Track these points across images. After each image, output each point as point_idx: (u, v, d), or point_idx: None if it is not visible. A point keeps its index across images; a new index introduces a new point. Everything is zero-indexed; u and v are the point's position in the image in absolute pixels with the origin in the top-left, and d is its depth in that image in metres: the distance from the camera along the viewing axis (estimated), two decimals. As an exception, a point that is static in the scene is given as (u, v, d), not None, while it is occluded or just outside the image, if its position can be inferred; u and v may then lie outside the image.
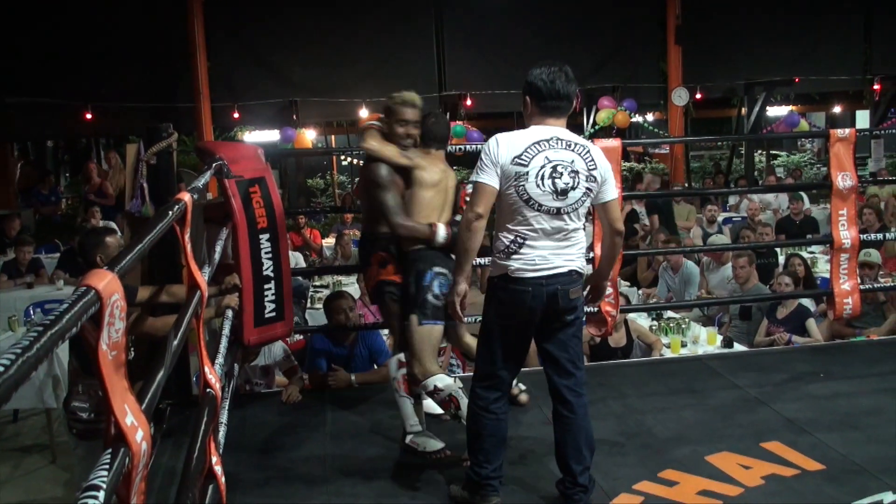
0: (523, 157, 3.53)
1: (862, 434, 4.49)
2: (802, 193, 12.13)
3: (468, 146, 6.42)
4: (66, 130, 15.24)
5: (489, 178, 3.56)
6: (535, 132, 3.62)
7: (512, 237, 3.58)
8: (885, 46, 15.66)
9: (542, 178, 3.51)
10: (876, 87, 16.05)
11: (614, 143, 5.69)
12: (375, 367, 5.66)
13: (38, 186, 14.40)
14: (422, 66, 14.12)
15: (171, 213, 2.64)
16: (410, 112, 4.47)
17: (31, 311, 8.25)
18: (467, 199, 3.82)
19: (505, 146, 3.56)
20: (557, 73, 3.66)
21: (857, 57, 15.93)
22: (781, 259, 8.94)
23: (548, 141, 3.57)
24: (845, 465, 4.13)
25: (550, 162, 3.53)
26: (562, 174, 3.52)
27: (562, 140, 3.59)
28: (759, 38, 15.08)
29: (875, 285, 7.09)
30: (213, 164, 4.51)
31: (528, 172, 3.51)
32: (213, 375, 3.24)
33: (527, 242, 3.57)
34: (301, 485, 4.17)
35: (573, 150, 3.58)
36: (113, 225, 9.45)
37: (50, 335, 1.43)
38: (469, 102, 14.44)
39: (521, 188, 3.52)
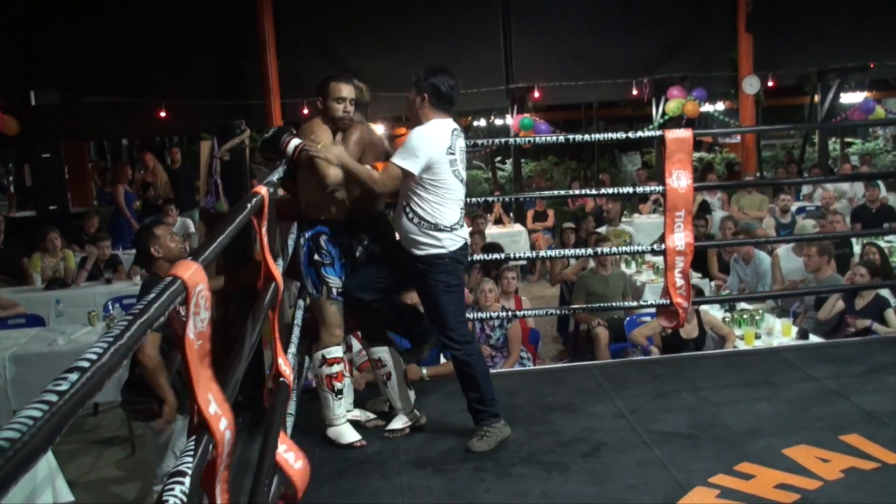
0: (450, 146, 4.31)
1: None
2: (879, 182, 11.85)
3: (536, 138, 6.37)
4: (140, 129, 15.53)
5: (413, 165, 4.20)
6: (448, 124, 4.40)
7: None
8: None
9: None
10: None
11: (685, 133, 5.62)
12: (443, 359, 5.68)
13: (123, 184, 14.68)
14: (489, 59, 14.11)
15: (249, 206, 2.68)
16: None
17: (111, 307, 8.45)
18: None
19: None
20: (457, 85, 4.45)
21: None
22: (857, 249, 8.76)
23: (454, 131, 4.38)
24: (927, 458, 4.05)
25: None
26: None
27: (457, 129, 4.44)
28: (831, 24, 14.75)
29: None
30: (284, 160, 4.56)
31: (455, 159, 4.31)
32: (286, 365, 3.28)
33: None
34: (375, 477, 4.21)
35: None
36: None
37: (140, 324, 1.47)
38: (537, 94, 14.40)
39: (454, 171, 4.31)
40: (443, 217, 4.27)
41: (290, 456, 3.23)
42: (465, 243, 4.43)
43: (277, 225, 4.98)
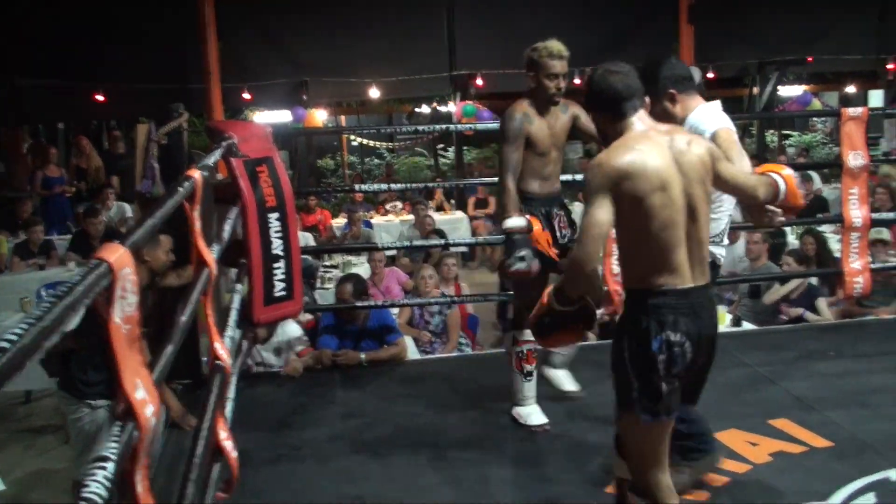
0: None
1: (870, 412, 4.50)
2: (813, 173, 12.07)
3: (479, 126, 6.40)
4: (77, 112, 15.25)
5: None
6: None
7: None
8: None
9: None
10: (890, 66, 15.92)
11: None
12: (385, 346, 5.68)
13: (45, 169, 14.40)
14: (433, 46, 14.07)
15: (181, 189, 2.65)
16: (559, 64, 4.32)
17: (43, 293, 8.30)
18: None
19: None
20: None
21: (871, 36, 15.78)
22: (791, 238, 8.91)
23: None
24: (853, 442, 4.15)
25: None
26: None
27: None
28: (772, 18, 14.94)
29: (886, 264, 7.06)
30: (223, 143, 4.53)
31: None
32: (222, 349, 3.26)
33: None
34: (312, 462, 4.22)
35: None
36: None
37: (63, 306, 1.45)
38: (480, 82, 14.40)
39: None
40: None
41: (229, 444, 3.22)
42: None
43: (215, 209, 4.95)
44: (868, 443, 4.13)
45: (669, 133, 2.84)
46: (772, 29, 15.01)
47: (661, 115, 3.57)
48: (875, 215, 6.26)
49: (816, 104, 14.90)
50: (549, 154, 4.39)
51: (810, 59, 15.20)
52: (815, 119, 22.29)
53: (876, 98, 19.07)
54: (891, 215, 7.36)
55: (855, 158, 5.84)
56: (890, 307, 6.93)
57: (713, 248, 3.56)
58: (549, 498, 3.77)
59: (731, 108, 21.23)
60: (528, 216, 4.25)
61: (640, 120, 2.85)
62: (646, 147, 2.75)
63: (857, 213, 5.89)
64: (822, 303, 6.86)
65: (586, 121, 4.45)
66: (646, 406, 2.81)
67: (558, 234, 4.41)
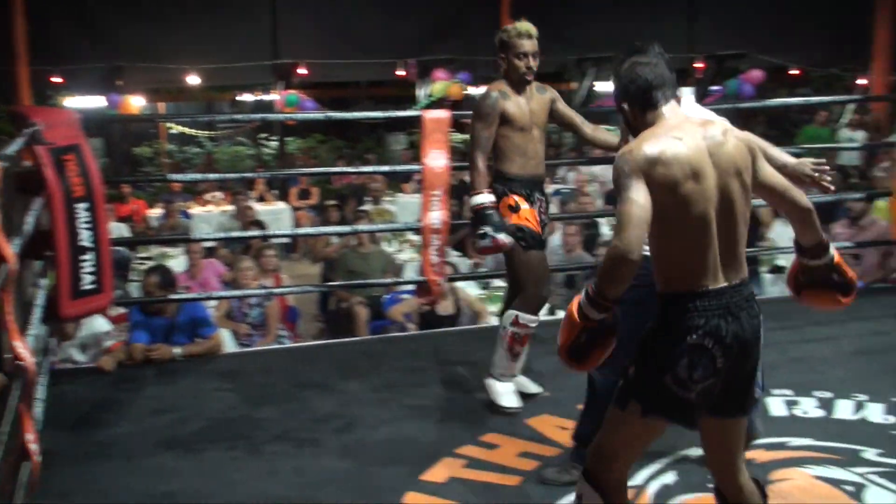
0: None
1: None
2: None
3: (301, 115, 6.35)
4: None
5: None
6: None
7: None
8: (707, 26, 16.28)
9: None
10: (699, 65, 16.70)
11: (443, 114, 5.79)
12: (198, 339, 5.55)
13: None
14: (255, 33, 13.81)
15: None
16: (528, 43, 4.35)
17: None
18: None
19: None
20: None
21: (683, 36, 16.51)
22: (605, 230, 9.24)
23: None
24: (656, 424, 4.34)
25: None
26: None
27: None
28: (590, 15, 15.40)
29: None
30: (27, 130, 4.32)
31: None
32: (23, 348, 3.12)
33: None
34: (121, 460, 4.09)
35: None
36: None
37: None
38: (304, 71, 14.25)
39: None
40: None
41: (34, 446, 3.10)
42: None
43: (19, 199, 4.72)
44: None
45: (703, 124, 2.70)
46: (590, 25, 15.47)
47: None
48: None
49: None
50: (530, 131, 4.42)
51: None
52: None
53: (687, 94, 19.94)
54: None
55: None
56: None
57: None
58: (365, 488, 3.78)
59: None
60: (515, 196, 4.33)
61: (671, 110, 2.71)
62: (678, 135, 2.61)
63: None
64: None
65: (563, 107, 4.66)
66: (644, 397, 2.67)
67: (539, 218, 4.43)
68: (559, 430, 4.28)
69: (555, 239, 8.30)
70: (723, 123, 2.73)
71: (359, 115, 8.61)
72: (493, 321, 6.56)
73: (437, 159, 5.65)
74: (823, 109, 13.65)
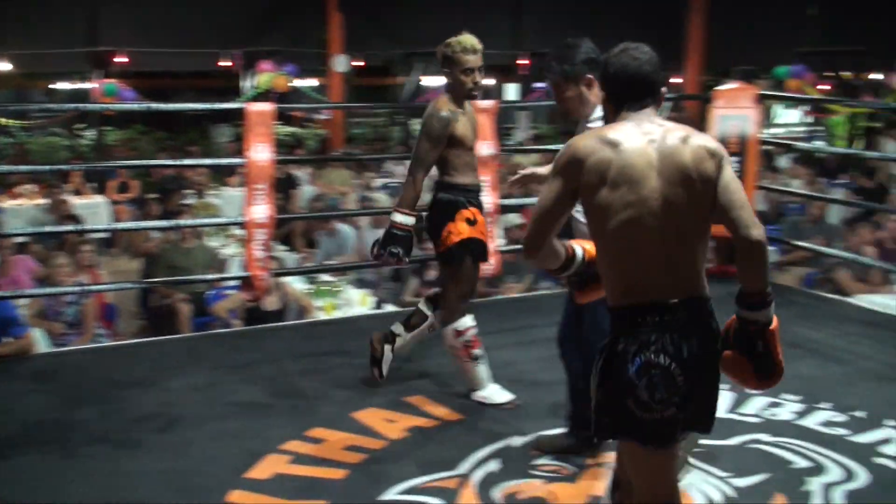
0: None
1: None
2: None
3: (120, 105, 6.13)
4: None
5: None
6: None
7: None
8: (532, 24, 16.70)
9: None
10: (523, 62, 17.11)
11: (266, 107, 5.70)
12: (7, 339, 5.26)
13: None
14: (71, 18, 13.25)
15: None
16: (474, 59, 4.28)
17: None
18: None
19: None
20: None
21: (506, 33, 16.88)
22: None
23: None
24: (481, 413, 4.43)
25: None
26: None
27: None
28: (417, 10, 15.55)
29: (515, 247, 7.58)
30: None
31: None
32: None
33: None
34: (-79, 469, 3.84)
35: None
36: None
37: None
38: (123, 59, 13.77)
39: None
40: None
41: None
42: None
43: None
44: (495, 413, 4.42)
45: (665, 128, 2.51)
46: (417, 21, 15.60)
47: (577, 100, 3.61)
48: (507, 201, 6.70)
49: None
50: (474, 147, 4.44)
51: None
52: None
53: (511, 91, 20.38)
54: (522, 201, 7.90)
55: (486, 148, 6.21)
56: (520, 285, 7.48)
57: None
58: (188, 488, 3.69)
59: (379, 96, 21.87)
60: (473, 208, 4.36)
61: (638, 114, 2.55)
62: (620, 136, 2.47)
63: (487, 199, 6.25)
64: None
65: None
66: (628, 429, 2.52)
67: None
68: (385, 422, 4.31)
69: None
70: (687, 130, 2.53)
71: (181, 106, 8.37)
72: (321, 316, 6.54)
73: (261, 153, 5.56)
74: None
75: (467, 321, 4.45)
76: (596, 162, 2.45)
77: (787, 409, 4.42)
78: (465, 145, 4.35)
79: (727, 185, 2.48)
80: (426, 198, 4.57)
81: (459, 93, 4.33)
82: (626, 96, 2.57)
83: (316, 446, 4.04)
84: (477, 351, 4.49)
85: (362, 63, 15.71)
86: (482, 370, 4.53)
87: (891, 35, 14.68)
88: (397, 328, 4.62)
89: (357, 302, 6.84)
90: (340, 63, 14.91)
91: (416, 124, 19.29)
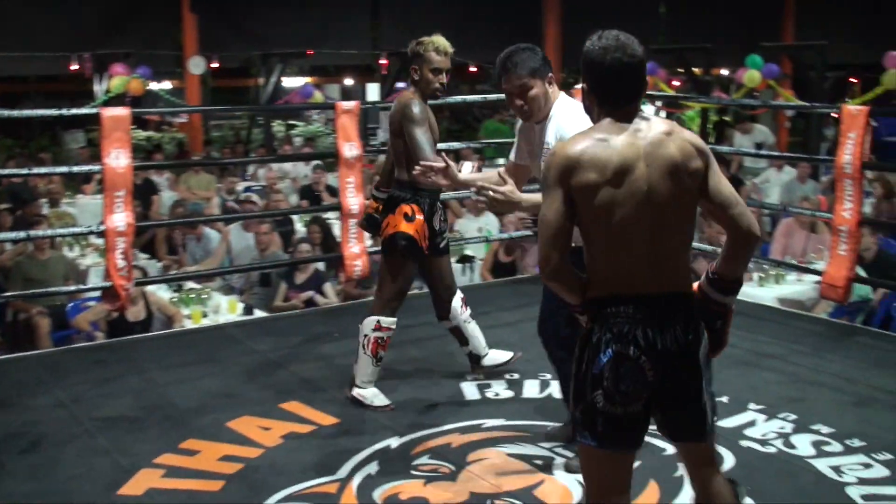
0: None
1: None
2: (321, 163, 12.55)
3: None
4: None
5: None
6: None
7: None
8: (391, 24, 16.70)
9: None
10: (383, 61, 17.10)
11: (122, 111, 5.56)
12: None
13: None
14: None
15: None
16: (444, 60, 4.36)
17: None
18: None
19: None
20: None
21: (367, 34, 16.85)
22: (300, 227, 9.23)
23: None
24: (357, 416, 4.41)
25: None
26: None
27: None
28: (274, 11, 15.35)
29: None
30: None
31: None
32: None
33: None
34: None
35: None
36: None
37: None
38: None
39: None
40: None
41: None
42: None
43: None
44: (371, 415, 4.41)
45: (649, 123, 2.52)
46: (274, 23, 15.43)
47: (542, 98, 3.61)
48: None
49: (318, 96, 15.53)
50: (436, 142, 4.46)
51: (310, 52, 15.82)
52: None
53: (373, 91, 20.36)
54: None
55: (350, 149, 6.18)
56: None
57: None
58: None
59: (238, 98, 21.53)
60: (416, 206, 4.37)
61: (624, 108, 2.52)
62: (606, 135, 2.47)
63: (353, 200, 6.23)
64: (328, 287, 7.21)
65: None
66: (586, 426, 2.51)
67: (437, 227, 4.51)
68: (261, 430, 4.25)
69: (248, 237, 8.20)
70: (670, 125, 2.55)
71: (30, 112, 8.05)
72: (188, 324, 6.39)
73: (118, 158, 5.40)
74: (504, 107, 14.40)
75: (391, 321, 4.49)
76: (591, 158, 2.45)
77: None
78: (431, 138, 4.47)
79: (718, 182, 2.54)
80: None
81: (425, 90, 4.41)
82: (615, 91, 2.53)
83: (190, 458, 3.95)
84: (382, 353, 4.51)
85: (219, 65, 15.41)
86: (375, 372, 4.54)
87: (738, 32, 15.36)
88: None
89: (226, 309, 6.71)
90: (197, 65, 14.60)
91: (277, 126, 19.19)
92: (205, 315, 6.56)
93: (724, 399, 4.50)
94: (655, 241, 2.47)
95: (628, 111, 2.52)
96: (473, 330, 4.82)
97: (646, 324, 2.45)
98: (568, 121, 3.49)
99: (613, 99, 2.52)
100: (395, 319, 4.51)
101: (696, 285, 2.60)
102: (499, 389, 4.75)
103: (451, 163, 3.78)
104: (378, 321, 4.47)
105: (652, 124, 2.52)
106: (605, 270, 2.51)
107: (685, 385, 2.52)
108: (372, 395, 4.52)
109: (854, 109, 5.84)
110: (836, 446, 4.02)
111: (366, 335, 4.48)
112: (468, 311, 4.79)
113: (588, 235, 2.51)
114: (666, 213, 2.47)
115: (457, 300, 4.75)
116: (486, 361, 4.83)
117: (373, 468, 3.86)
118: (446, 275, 4.76)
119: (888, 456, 3.93)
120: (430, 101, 4.43)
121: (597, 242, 2.50)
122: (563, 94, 3.71)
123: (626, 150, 2.45)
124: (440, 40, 4.38)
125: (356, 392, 4.53)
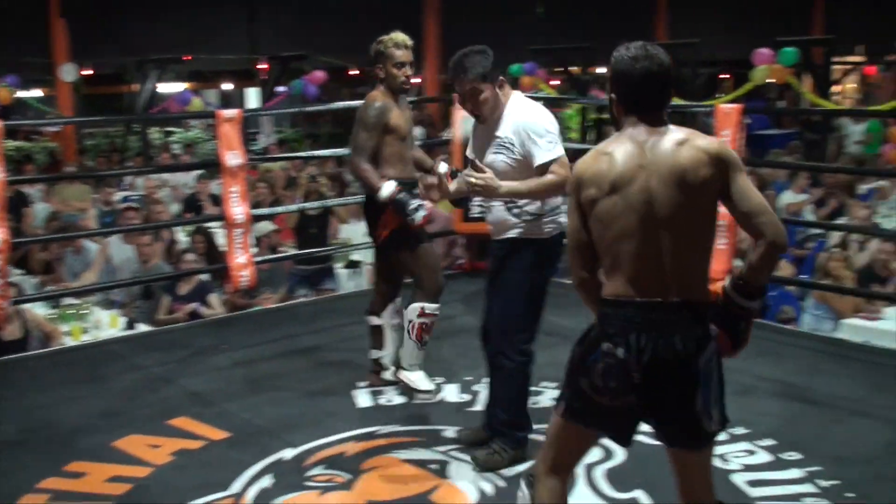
0: None
1: (263, 398, 4.76)
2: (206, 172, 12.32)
3: None
4: None
5: None
6: None
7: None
8: (268, 29, 16.57)
9: None
10: (263, 66, 16.91)
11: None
12: None
13: None
14: None
15: None
16: (405, 54, 4.48)
17: None
18: None
19: None
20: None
21: (244, 38, 16.66)
22: (182, 236, 9.02)
23: None
24: (249, 429, 4.36)
25: None
26: None
27: None
28: (148, 16, 15.06)
29: (272, 255, 7.49)
30: None
31: None
32: None
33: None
34: None
35: None
36: None
37: None
38: None
39: None
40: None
41: None
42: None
43: None
44: (263, 427, 4.37)
45: (665, 133, 2.56)
46: (148, 28, 15.13)
47: (494, 100, 3.73)
48: (256, 211, 6.59)
49: (197, 102, 15.24)
50: (408, 138, 4.59)
51: (188, 57, 15.55)
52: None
53: (253, 95, 20.11)
54: (275, 210, 7.83)
55: (233, 158, 6.08)
56: (277, 295, 7.40)
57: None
58: None
59: (112, 105, 20.96)
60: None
61: (645, 117, 2.58)
62: (612, 148, 2.58)
63: (238, 209, 6.14)
64: (213, 298, 7.07)
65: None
66: (567, 400, 2.70)
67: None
68: (149, 448, 4.16)
69: (127, 249, 7.99)
70: (688, 133, 2.57)
71: None
72: (68, 342, 6.18)
73: (-11, 172, 5.20)
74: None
75: (434, 307, 4.49)
76: (593, 174, 2.57)
77: (547, 395, 4.61)
78: (398, 134, 4.51)
79: (744, 191, 2.54)
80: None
81: (392, 86, 4.50)
82: (644, 99, 2.59)
83: (76, 481, 3.84)
84: (427, 337, 4.52)
85: (92, 71, 14.99)
86: (420, 355, 4.55)
87: (614, 32, 15.70)
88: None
89: (107, 324, 6.52)
90: (68, 72, 14.15)
91: (154, 132, 18.75)
92: (85, 331, 6.36)
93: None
94: (661, 249, 2.53)
95: (655, 118, 2.58)
96: (394, 339, 4.80)
97: (642, 329, 2.53)
98: (526, 114, 3.72)
99: (643, 107, 2.59)
100: (438, 305, 4.53)
101: (718, 288, 2.64)
102: (392, 396, 4.75)
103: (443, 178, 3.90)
104: (422, 307, 4.47)
105: (667, 134, 2.56)
106: (612, 276, 2.61)
107: (676, 393, 2.55)
108: (417, 379, 4.54)
109: (727, 108, 6.04)
110: (720, 435, 4.12)
111: (410, 321, 4.51)
112: (398, 319, 4.76)
113: (598, 245, 2.63)
114: (672, 222, 2.51)
115: (397, 303, 4.80)
116: (406, 376, 4.61)
117: (267, 481, 3.82)
118: (400, 273, 4.79)
119: (771, 442, 4.10)
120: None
121: (604, 251, 2.62)
122: (516, 92, 3.88)
123: (627, 163, 2.53)
124: (399, 35, 4.54)
125: (402, 374, 4.57)
